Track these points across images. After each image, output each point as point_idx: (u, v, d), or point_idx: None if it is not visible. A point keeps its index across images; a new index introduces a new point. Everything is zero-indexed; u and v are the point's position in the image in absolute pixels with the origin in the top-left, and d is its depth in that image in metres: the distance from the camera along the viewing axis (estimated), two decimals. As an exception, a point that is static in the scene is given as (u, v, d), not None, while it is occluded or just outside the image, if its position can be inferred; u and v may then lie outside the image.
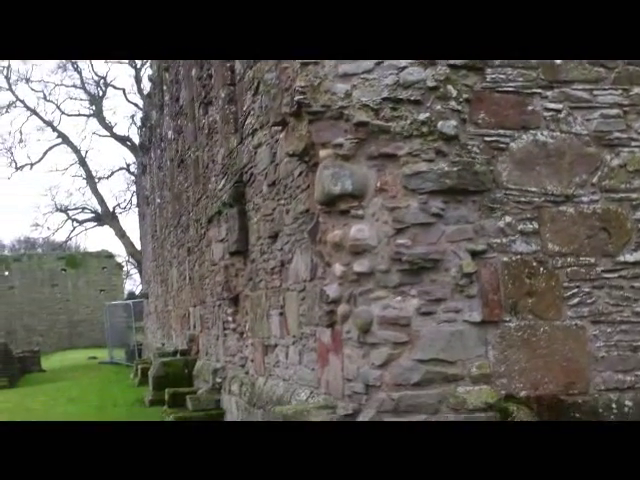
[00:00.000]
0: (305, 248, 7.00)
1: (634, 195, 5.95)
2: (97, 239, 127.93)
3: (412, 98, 5.50)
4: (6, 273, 48.69)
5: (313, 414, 5.99)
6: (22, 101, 40.93)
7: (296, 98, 5.57)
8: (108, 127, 39.49)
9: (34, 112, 40.71)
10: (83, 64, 39.38)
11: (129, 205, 43.37)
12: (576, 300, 5.82)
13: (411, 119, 5.49)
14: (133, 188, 42.16)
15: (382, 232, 5.56)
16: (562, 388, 5.73)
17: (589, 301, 5.84)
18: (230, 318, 10.49)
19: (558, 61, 5.79)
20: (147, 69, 33.73)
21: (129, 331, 33.68)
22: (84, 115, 41.17)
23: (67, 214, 42.29)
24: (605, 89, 5.90)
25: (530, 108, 5.79)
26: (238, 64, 9.63)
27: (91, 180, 39.57)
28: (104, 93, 41.05)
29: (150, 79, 22.19)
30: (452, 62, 5.55)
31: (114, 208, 41.36)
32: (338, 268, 5.79)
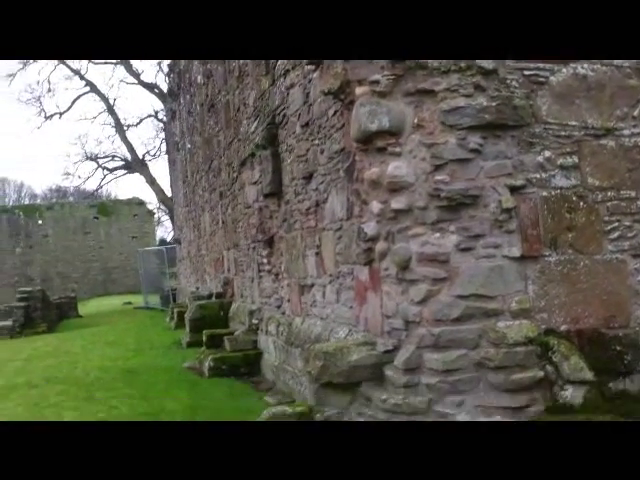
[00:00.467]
0: (341, 187, 7.00)
1: (676, 127, 5.87)
2: (128, 187, 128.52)
3: (450, 32, 5.41)
4: (40, 222, 49.31)
5: (353, 350, 6.07)
6: (49, 49, 40.72)
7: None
8: (135, 74, 39.29)
9: (61, 61, 40.68)
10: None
11: (158, 152, 43.46)
12: (616, 234, 5.80)
13: (449, 53, 5.42)
14: (162, 135, 42.19)
15: (420, 169, 5.55)
16: (602, 322, 5.74)
17: (630, 235, 5.81)
18: (265, 260, 10.55)
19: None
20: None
21: (162, 277, 34.05)
22: (111, 63, 41.04)
23: (97, 162, 42.44)
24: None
25: (570, 40, 5.68)
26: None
27: (120, 128, 39.56)
28: (131, 39, 40.65)
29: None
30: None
31: (143, 155, 41.42)
32: (375, 206, 5.80)
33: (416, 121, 5.55)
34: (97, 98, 38.90)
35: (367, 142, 5.77)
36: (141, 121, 41.64)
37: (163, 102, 34.74)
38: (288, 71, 8.66)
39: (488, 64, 5.51)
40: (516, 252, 5.59)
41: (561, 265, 5.71)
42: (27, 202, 76.89)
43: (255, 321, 11.22)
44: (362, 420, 5.90)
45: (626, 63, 5.86)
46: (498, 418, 5.36)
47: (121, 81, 40.20)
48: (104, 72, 41.14)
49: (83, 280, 48.73)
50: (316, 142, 7.65)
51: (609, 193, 5.81)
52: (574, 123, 5.77)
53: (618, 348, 5.66)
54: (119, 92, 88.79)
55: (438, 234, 5.54)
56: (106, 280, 49.45)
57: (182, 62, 19.90)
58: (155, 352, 14.02)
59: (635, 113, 5.90)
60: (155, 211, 52.17)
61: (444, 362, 5.48)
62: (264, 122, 9.68)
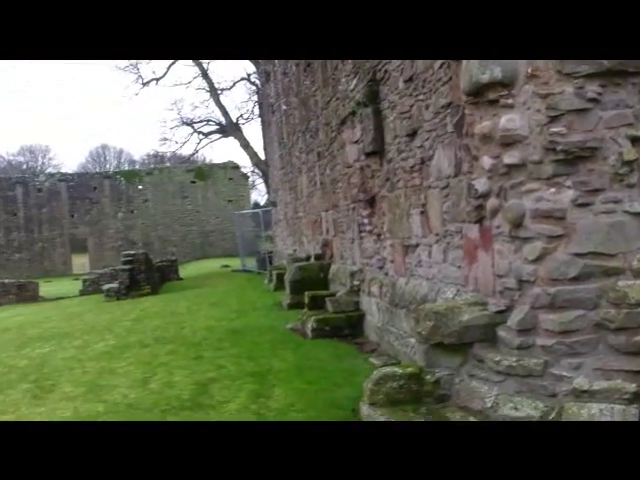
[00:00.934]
0: (448, 143, 6.80)
1: None
2: (222, 150, 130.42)
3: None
4: (140, 187, 50.64)
5: (464, 310, 5.94)
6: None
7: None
8: (228, 38, 39.44)
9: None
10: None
11: (251, 115, 43.72)
12: None
13: None
14: (255, 98, 42.40)
15: (534, 121, 5.31)
16: None
17: None
18: (366, 220, 10.45)
19: None
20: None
21: (258, 239, 34.45)
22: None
23: (192, 127, 42.97)
24: None
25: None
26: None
27: (214, 92, 39.89)
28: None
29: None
30: None
31: (237, 119, 41.74)
32: (487, 161, 5.61)
33: (530, 71, 5.29)
34: (191, 63, 39.20)
35: (478, 94, 5.56)
36: (234, 84, 41.88)
37: (256, 65, 34.83)
38: (388, 26, 8.44)
39: (608, 8, 5.20)
40: (638, 207, 5.29)
41: (687, 220, 5.38)
42: (126, 168, 79.13)
43: (356, 282, 11.17)
44: (475, 381, 5.78)
45: None
46: (619, 382, 5.14)
47: (214, 45, 40.33)
48: (198, 37, 41.44)
49: (182, 243, 49.94)
50: (420, 97, 7.45)
51: None
52: (702, 68, 5.39)
53: None
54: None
55: (554, 189, 5.30)
56: (204, 243, 50.51)
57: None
58: (257, 313, 14.19)
59: None
60: (249, 174, 52.70)
61: (561, 323, 5.28)
62: (364, 79, 9.51)
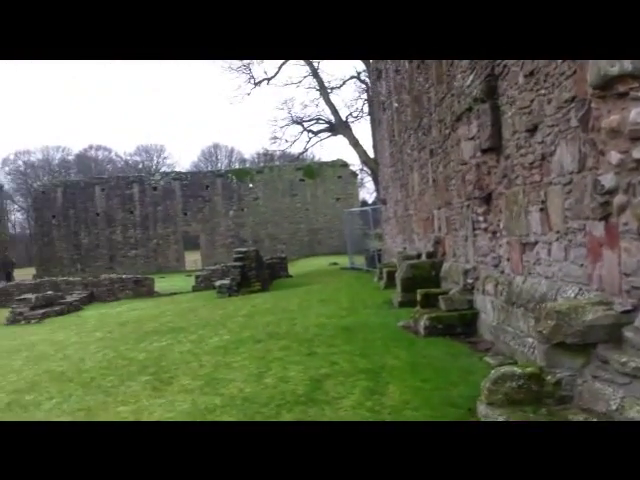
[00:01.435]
0: (571, 138, 6.60)
1: None
2: (331, 149, 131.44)
3: None
4: (250, 185, 51.59)
5: (588, 310, 5.76)
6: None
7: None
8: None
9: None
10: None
11: (361, 113, 43.86)
12: None
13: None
14: (364, 96, 42.50)
15: (667, 114, 5.09)
16: None
17: None
18: (481, 218, 10.28)
19: None
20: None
21: (366, 237, 34.51)
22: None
23: (302, 126, 43.53)
24: None
25: None
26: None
27: (324, 91, 40.25)
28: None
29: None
30: None
31: (347, 117, 42.00)
32: (615, 156, 5.41)
33: (662, 62, 5.08)
34: (302, 62, 39.67)
35: (606, 88, 5.37)
36: (344, 83, 42.22)
37: (366, 63, 34.89)
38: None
39: None
40: None
41: None
42: (237, 166, 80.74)
43: (470, 280, 11.02)
44: (599, 382, 5.61)
45: None
46: None
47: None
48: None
49: (291, 241, 50.56)
50: (542, 92, 7.26)
51: None
52: None
53: None
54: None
55: (687, 185, 5.07)
56: (312, 241, 50.99)
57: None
58: (368, 311, 14.20)
59: None
60: (358, 172, 52.84)
61: (692, 324, 5.06)
62: (481, 74, 9.36)
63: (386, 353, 9.59)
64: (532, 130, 7.68)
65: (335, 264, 35.85)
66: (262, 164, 64.19)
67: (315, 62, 39.69)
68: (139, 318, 18.35)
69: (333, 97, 61.11)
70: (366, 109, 42.80)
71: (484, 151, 9.47)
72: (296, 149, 48.33)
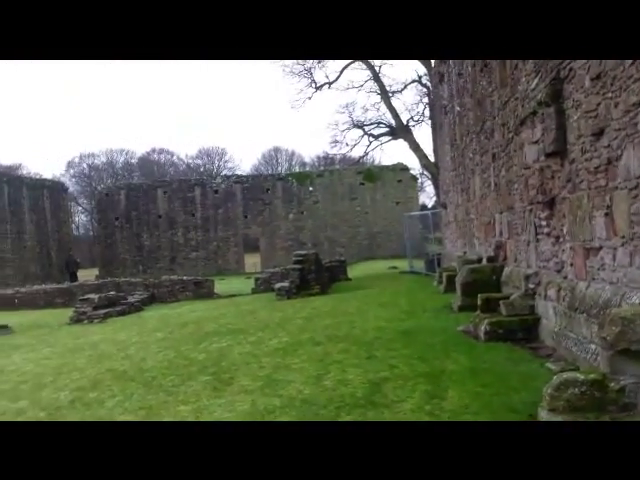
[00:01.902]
0: (638, 142, 6.49)
1: None
2: (392, 153, 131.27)
3: None
4: (310, 188, 51.82)
5: (655, 317, 5.67)
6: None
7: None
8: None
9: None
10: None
11: (422, 117, 43.64)
12: None
13: None
14: (425, 100, 42.27)
15: None
16: None
17: None
18: (544, 222, 10.17)
19: None
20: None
21: (425, 241, 34.34)
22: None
23: (363, 129, 43.45)
24: None
25: None
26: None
27: (385, 95, 40.13)
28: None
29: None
30: None
31: (407, 121, 41.82)
32: (683, 160, 5.32)
33: None
34: (363, 66, 39.64)
35: (675, 91, 5.29)
36: (405, 87, 42.03)
37: (427, 66, 34.72)
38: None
39: None
40: None
41: None
42: (297, 170, 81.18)
43: (531, 285, 10.89)
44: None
45: None
46: None
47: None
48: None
49: (350, 244, 50.60)
50: (609, 95, 7.16)
51: None
52: None
53: None
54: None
55: None
56: (371, 244, 50.94)
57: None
58: (427, 315, 14.14)
59: None
60: (418, 176, 52.61)
61: None
62: (546, 78, 9.26)
63: (446, 357, 9.55)
64: (598, 134, 7.57)
65: (394, 268, 35.71)
66: (322, 167, 64.51)
67: (376, 66, 39.64)
68: (199, 319, 18.58)
69: (394, 101, 60.75)
70: (427, 113, 42.58)
71: (548, 155, 9.36)
72: (356, 153, 48.15)
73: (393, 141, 42.92)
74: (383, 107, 41.22)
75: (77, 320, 22.63)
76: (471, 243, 18.67)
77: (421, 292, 19.51)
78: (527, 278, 11.05)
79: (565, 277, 9.28)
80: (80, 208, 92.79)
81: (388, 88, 40.71)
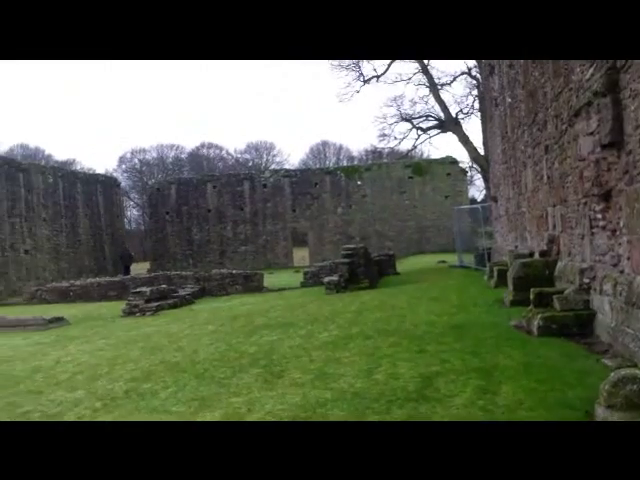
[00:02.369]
0: (700, 132, 6.32)
1: None
2: (441, 146, 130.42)
3: None
4: (359, 182, 51.74)
5: None
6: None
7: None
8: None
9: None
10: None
11: (471, 110, 43.28)
12: None
13: None
14: (475, 92, 41.90)
15: None
16: None
17: None
18: (599, 215, 9.96)
19: None
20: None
21: (475, 235, 34.00)
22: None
23: (412, 123, 43.27)
24: None
25: None
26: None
27: (433, 87, 39.91)
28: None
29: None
30: None
31: (456, 114, 41.51)
32: None
33: None
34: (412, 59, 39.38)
35: None
36: (454, 79, 41.79)
37: (477, 59, 34.35)
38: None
39: None
40: None
41: None
42: (345, 164, 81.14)
43: (586, 280, 10.69)
44: None
45: None
46: None
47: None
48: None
49: (398, 238, 50.38)
50: (669, 84, 6.98)
51: None
52: None
53: None
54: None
55: None
56: (420, 238, 50.65)
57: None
58: (478, 309, 14.01)
59: None
60: (467, 170, 52.16)
61: None
62: (602, 67, 9.06)
63: (498, 352, 9.43)
64: (657, 124, 7.39)
65: (443, 262, 35.48)
66: (370, 161, 64.27)
67: (425, 59, 39.35)
68: (249, 312, 18.69)
69: (443, 93, 60.42)
70: (477, 105, 42.23)
71: (604, 146, 9.16)
72: (405, 146, 47.87)
73: (442, 134, 42.81)
74: (432, 100, 41.06)
75: (130, 313, 22.91)
76: (522, 237, 18.43)
77: (472, 286, 19.34)
78: (582, 272, 10.85)
79: (622, 271, 9.08)
80: (132, 203, 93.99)
81: (437, 81, 40.53)
